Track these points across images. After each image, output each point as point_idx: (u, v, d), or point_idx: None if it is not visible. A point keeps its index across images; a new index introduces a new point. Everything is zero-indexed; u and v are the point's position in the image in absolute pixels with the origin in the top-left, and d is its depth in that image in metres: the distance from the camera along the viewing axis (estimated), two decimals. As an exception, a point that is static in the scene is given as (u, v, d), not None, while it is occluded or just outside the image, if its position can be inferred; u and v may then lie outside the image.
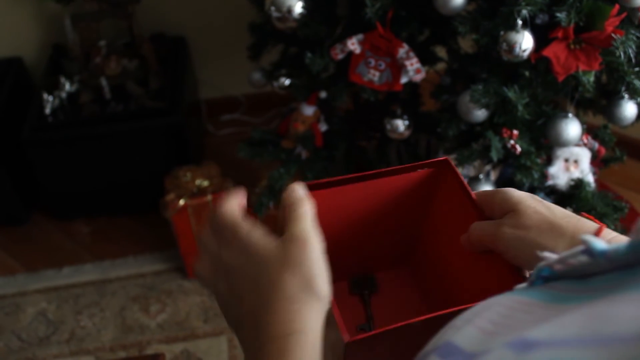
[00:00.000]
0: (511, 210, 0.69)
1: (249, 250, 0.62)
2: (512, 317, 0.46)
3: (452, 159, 1.83)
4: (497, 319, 0.47)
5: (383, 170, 0.77)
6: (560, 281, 0.50)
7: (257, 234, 0.62)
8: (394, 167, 0.77)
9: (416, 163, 0.77)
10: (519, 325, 0.44)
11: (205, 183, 2.23)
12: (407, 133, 1.91)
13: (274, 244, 0.61)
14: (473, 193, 0.75)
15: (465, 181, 0.75)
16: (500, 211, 0.71)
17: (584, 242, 0.45)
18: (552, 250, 0.63)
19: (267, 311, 0.59)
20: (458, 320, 0.50)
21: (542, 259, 0.53)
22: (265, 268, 0.60)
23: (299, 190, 0.66)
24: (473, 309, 0.51)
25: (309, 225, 0.62)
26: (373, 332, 0.62)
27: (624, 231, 1.73)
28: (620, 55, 1.50)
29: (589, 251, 0.45)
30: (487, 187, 1.79)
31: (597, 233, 0.65)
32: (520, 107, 1.59)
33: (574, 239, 0.65)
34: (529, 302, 0.48)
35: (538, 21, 1.57)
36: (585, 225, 0.66)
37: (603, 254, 0.44)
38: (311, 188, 0.70)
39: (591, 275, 0.46)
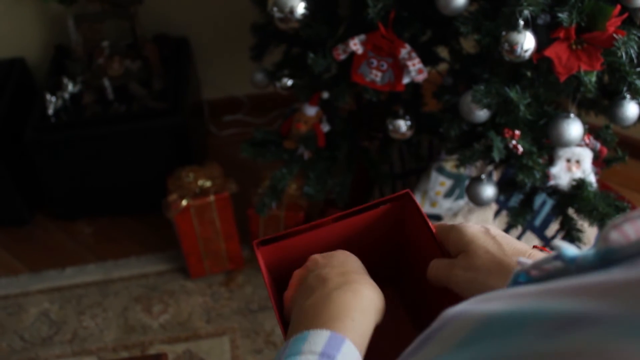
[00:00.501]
0: (463, 250, 0.73)
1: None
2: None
3: (454, 159, 1.84)
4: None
5: (351, 210, 0.84)
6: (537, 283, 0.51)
7: None
8: (359, 207, 0.84)
9: (379, 200, 0.84)
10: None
11: (208, 183, 2.24)
12: (409, 133, 1.92)
13: None
14: (433, 226, 0.79)
15: (425, 214, 0.81)
16: (455, 250, 0.75)
17: (556, 248, 0.46)
18: (493, 287, 0.67)
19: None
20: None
21: (518, 264, 0.54)
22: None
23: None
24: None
25: None
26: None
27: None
28: (622, 56, 1.50)
29: (561, 258, 0.46)
30: (489, 188, 1.80)
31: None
32: (522, 108, 1.59)
33: (510, 272, 0.68)
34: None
35: (540, 21, 1.57)
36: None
37: (573, 261, 0.45)
38: (291, 235, 0.80)
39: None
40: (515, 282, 0.54)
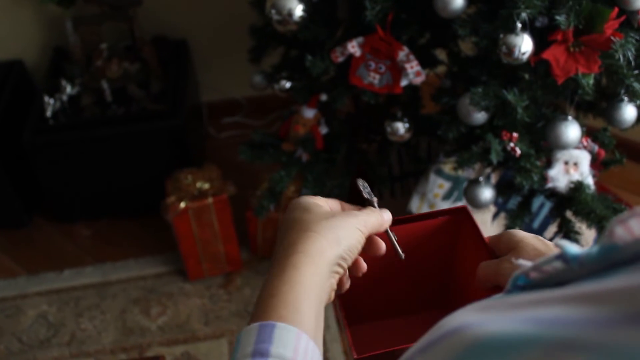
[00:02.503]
0: (513, 248, 0.75)
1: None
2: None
3: (452, 161, 1.84)
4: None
5: (405, 217, 0.84)
6: (535, 290, 0.51)
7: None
8: (415, 215, 0.84)
9: (436, 211, 0.85)
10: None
11: (206, 186, 2.24)
12: (407, 136, 1.92)
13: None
14: (486, 238, 0.81)
15: (480, 226, 0.83)
16: (505, 249, 0.77)
17: (559, 246, 0.46)
18: None
19: (289, 235, 0.70)
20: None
21: (517, 266, 0.53)
22: (319, 212, 0.72)
23: (388, 216, 0.77)
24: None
25: (368, 219, 0.73)
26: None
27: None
28: (619, 58, 1.50)
29: (563, 256, 0.46)
30: (487, 190, 1.80)
31: None
32: (520, 110, 1.59)
33: None
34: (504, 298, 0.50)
35: (537, 24, 1.57)
36: None
37: (576, 259, 0.45)
38: None
39: (566, 283, 0.47)
40: (515, 285, 0.53)
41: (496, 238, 0.79)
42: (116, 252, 2.51)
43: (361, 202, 0.80)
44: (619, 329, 0.34)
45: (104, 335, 2.22)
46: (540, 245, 0.74)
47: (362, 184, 0.82)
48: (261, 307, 0.64)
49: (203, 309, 2.28)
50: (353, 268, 0.76)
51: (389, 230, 0.77)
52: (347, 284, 0.76)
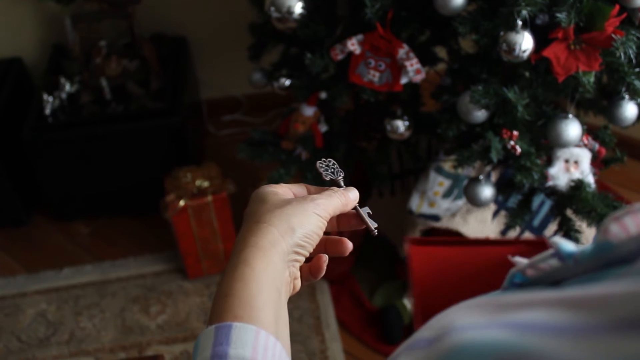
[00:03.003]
0: None
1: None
2: (471, 308, 0.48)
3: (452, 159, 1.83)
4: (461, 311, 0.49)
5: (482, 239, 0.83)
6: (530, 288, 0.51)
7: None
8: (491, 239, 0.83)
9: (513, 238, 0.84)
10: (476, 311, 0.46)
11: (206, 184, 2.23)
12: (407, 134, 1.91)
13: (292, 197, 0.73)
14: None
15: None
16: None
17: (554, 244, 0.46)
18: None
19: (244, 229, 0.69)
20: (430, 321, 0.53)
21: (513, 264, 0.54)
22: (273, 201, 0.70)
23: (354, 194, 0.75)
24: (445, 312, 0.53)
25: (328, 202, 0.71)
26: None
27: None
28: (620, 56, 1.49)
29: (558, 254, 0.46)
30: (487, 188, 1.79)
31: None
32: (520, 108, 1.58)
33: None
34: (497, 297, 0.50)
35: (538, 22, 1.56)
36: None
37: (571, 256, 0.45)
38: (420, 243, 0.77)
39: (562, 281, 0.47)
40: (512, 283, 0.53)
41: None
42: (115, 250, 2.51)
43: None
44: (595, 337, 0.33)
45: (103, 334, 2.22)
46: None
47: (322, 164, 0.79)
48: (217, 308, 0.63)
49: (202, 307, 2.27)
50: (336, 248, 0.75)
51: (358, 208, 0.76)
52: (323, 269, 0.74)
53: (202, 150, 2.83)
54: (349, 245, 0.75)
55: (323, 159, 0.80)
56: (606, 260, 0.41)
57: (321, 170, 0.78)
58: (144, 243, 2.52)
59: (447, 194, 2.24)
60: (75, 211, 2.64)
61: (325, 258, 0.74)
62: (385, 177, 2.19)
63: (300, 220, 0.68)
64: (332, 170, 0.79)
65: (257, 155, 2.06)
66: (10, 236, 2.61)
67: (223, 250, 2.32)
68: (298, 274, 0.71)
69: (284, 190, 0.73)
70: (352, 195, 0.74)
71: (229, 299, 0.63)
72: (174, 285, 2.36)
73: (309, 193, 0.75)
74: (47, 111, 2.41)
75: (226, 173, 2.32)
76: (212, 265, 2.35)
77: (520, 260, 0.53)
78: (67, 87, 2.47)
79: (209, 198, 2.19)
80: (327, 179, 0.78)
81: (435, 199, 2.24)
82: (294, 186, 0.75)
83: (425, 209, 2.21)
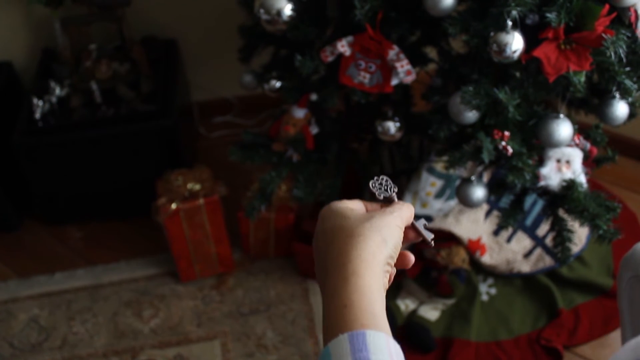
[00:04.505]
0: None
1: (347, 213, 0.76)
2: None
3: (443, 160, 1.83)
4: None
5: None
6: None
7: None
8: None
9: None
10: None
11: (197, 187, 2.22)
12: (398, 135, 1.91)
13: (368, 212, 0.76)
14: None
15: None
16: None
17: None
18: None
19: (336, 243, 0.72)
20: None
21: None
22: (356, 215, 0.74)
23: (412, 206, 0.79)
24: None
25: (402, 215, 0.75)
26: None
27: (616, 232, 1.73)
28: (611, 55, 1.49)
29: None
30: (479, 189, 1.79)
31: None
32: (511, 108, 1.58)
33: None
34: None
35: (528, 22, 1.56)
36: None
37: None
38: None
39: None
40: None
41: None
42: (107, 254, 2.50)
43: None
44: None
45: (96, 339, 2.21)
46: None
47: (374, 184, 0.81)
48: (339, 319, 0.66)
49: (195, 311, 2.26)
50: (402, 262, 0.78)
51: (414, 221, 0.80)
52: (392, 278, 0.77)
53: (194, 153, 2.82)
54: (412, 258, 0.79)
55: (375, 177, 0.82)
56: None
57: (374, 190, 0.81)
58: (136, 247, 2.51)
59: (439, 195, 2.24)
60: (66, 215, 2.63)
61: (394, 271, 0.78)
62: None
63: (389, 232, 0.72)
64: (385, 187, 0.81)
65: (249, 157, 2.06)
66: (1, 241, 2.59)
67: (215, 253, 2.31)
68: (387, 284, 0.74)
69: (354, 205, 0.77)
70: (412, 208, 0.79)
71: (351, 309, 0.66)
72: (166, 289, 2.35)
73: (366, 209, 0.79)
74: (37, 115, 2.40)
75: (218, 175, 2.31)
76: (205, 268, 2.34)
77: None
78: (57, 90, 2.46)
79: (201, 201, 2.19)
80: (381, 197, 0.80)
81: (428, 200, 2.24)
82: (354, 202, 0.78)
83: (418, 209, 2.21)
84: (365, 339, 0.62)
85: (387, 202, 0.80)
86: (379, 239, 0.70)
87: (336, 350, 0.62)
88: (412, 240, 0.80)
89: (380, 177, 0.82)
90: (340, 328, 0.64)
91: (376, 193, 0.81)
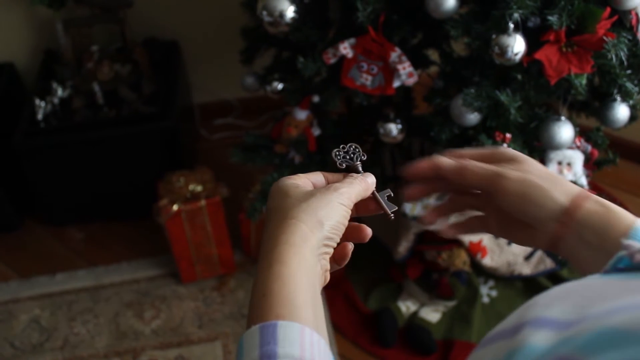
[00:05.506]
0: (511, 159, 0.74)
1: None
2: (603, 293, 0.48)
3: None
4: (588, 294, 0.49)
5: None
6: (635, 273, 0.51)
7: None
8: None
9: None
10: (612, 295, 0.47)
11: (199, 188, 2.23)
12: (400, 137, 1.91)
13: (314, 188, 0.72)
14: (469, 152, 0.78)
15: None
16: (501, 160, 0.75)
17: None
18: (551, 195, 0.70)
19: (272, 225, 0.68)
20: (541, 299, 0.53)
21: (624, 247, 0.53)
22: (297, 195, 0.70)
23: (371, 178, 0.75)
24: (554, 290, 0.53)
25: (350, 191, 0.71)
26: None
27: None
28: (612, 58, 1.50)
29: None
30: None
31: (582, 196, 0.70)
32: (512, 111, 1.59)
33: (567, 190, 0.70)
34: (614, 281, 0.50)
35: (530, 24, 1.57)
36: (573, 185, 0.72)
37: None
38: None
39: None
40: (615, 267, 0.53)
41: (486, 150, 0.77)
42: (109, 255, 2.50)
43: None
44: None
45: (97, 340, 2.21)
46: (538, 162, 0.73)
47: (338, 153, 0.77)
48: (256, 309, 0.63)
49: (197, 312, 2.27)
50: (356, 235, 0.74)
51: (376, 192, 0.76)
52: (348, 256, 0.74)
53: (195, 155, 2.83)
54: (369, 231, 0.75)
55: (343, 145, 0.78)
56: None
57: (336, 158, 0.77)
58: (138, 248, 2.51)
59: (441, 196, 2.24)
60: (68, 216, 2.63)
61: (350, 246, 0.74)
62: (378, 180, 2.19)
63: (327, 212, 0.68)
64: (352, 156, 0.77)
65: (250, 159, 2.06)
66: (3, 242, 2.60)
67: (217, 254, 2.32)
68: (328, 266, 0.71)
69: (303, 182, 0.72)
70: (370, 180, 0.75)
71: (268, 298, 0.63)
72: (167, 290, 2.35)
73: (327, 181, 0.75)
74: (40, 116, 2.40)
75: (219, 177, 2.32)
76: (206, 270, 2.34)
77: (633, 244, 0.53)
78: (59, 92, 2.46)
79: (202, 202, 2.19)
80: (343, 166, 0.77)
81: (429, 202, 2.24)
82: (311, 175, 0.74)
83: (419, 211, 2.21)
84: (275, 330, 0.59)
85: (351, 172, 0.77)
86: (314, 221, 0.67)
87: (247, 343, 0.59)
88: (375, 212, 0.77)
89: (349, 144, 0.78)
90: (255, 319, 0.61)
91: (337, 162, 0.77)
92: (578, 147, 1.80)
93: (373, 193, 0.76)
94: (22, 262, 2.52)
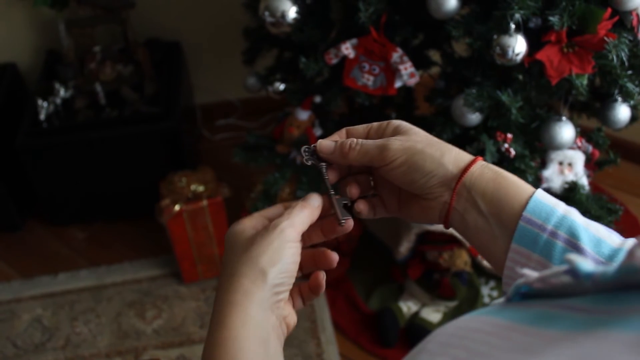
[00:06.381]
0: (396, 131, 0.71)
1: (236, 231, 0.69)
2: (490, 345, 0.45)
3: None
4: (473, 346, 0.46)
5: None
6: (538, 299, 0.49)
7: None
8: None
9: None
10: (496, 354, 0.44)
11: (201, 188, 2.23)
12: (401, 137, 1.91)
13: (256, 230, 0.68)
14: (356, 129, 0.75)
15: None
16: (386, 133, 0.72)
17: (569, 262, 0.44)
18: (438, 161, 0.67)
19: (221, 282, 0.65)
20: (431, 344, 0.50)
21: (521, 276, 0.52)
22: (239, 245, 0.66)
23: (315, 200, 0.70)
24: (447, 330, 0.51)
25: (292, 222, 0.67)
26: None
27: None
28: (613, 59, 1.50)
29: (573, 272, 0.44)
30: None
31: (472, 163, 0.68)
32: (514, 111, 1.59)
33: (458, 158, 0.68)
34: (507, 325, 0.47)
35: (531, 25, 1.57)
36: (464, 152, 0.70)
37: (589, 277, 0.43)
38: None
39: (571, 295, 0.45)
40: (517, 292, 0.52)
41: (375, 126, 0.73)
42: (111, 255, 2.51)
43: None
44: None
45: (99, 339, 2.21)
46: (430, 135, 0.71)
47: (307, 149, 0.75)
48: None
49: (198, 312, 2.27)
50: (323, 262, 0.71)
51: (333, 197, 0.72)
52: (322, 285, 0.71)
53: (197, 155, 2.83)
54: (334, 256, 0.71)
55: (315, 144, 0.75)
56: (626, 283, 0.41)
57: (304, 154, 0.74)
58: (139, 248, 2.52)
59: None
60: (70, 216, 2.64)
61: (322, 274, 0.71)
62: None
63: (270, 258, 0.64)
64: (320, 155, 0.74)
65: (252, 159, 2.07)
66: (5, 242, 2.60)
67: (218, 254, 2.32)
68: (287, 311, 0.68)
69: (253, 224, 0.69)
70: (314, 203, 0.70)
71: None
72: (169, 290, 2.35)
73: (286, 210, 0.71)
74: (42, 116, 2.41)
75: (221, 177, 2.32)
76: (208, 270, 2.35)
77: (529, 274, 0.52)
78: (62, 92, 2.47)
79: (204, 202, 2.20)
80: (309, 163, 0.74)
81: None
82: (267, 211, 0.71)
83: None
84: None
85: (317, 169, 0.74)
86: (256, 273, 0.63)
87: None
88: (333, 264, 0.72)
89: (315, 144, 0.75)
90: None
91: (304, 158, 0.74)
92: (579, 148, 1.81)
93: (330, 197, 0.72)
94: (25, 261, 2.52)
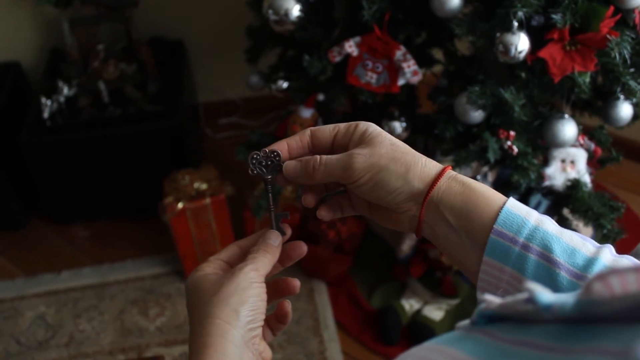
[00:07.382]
0: (361, 140, 0.70)
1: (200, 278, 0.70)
2: None
3: (449, 160, 1.84)
4: None
5: None
6: (500, 324, 0.50)
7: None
8: None
9: None
10: None
11: (204, 186, 2.24)
12: (404, 135, 1.92)
13: (221, 274, 0.70)
14: (324, 132, 0.73)
15: None
16: (358, 142, 0.70)
17: (529, 291, 0.44)
18: (403, 177, 0.66)
19: (192, 327, 0.67)
20: None
21: (483, 301, 0.53)
22: (204, 289, 0.68)
23: (274, 240, 0.72)
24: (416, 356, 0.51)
25: (256, 266, 0.69)
26: None
27: (620, 231, 1.74)
28: (615, 57, 1.51)
29: (533, 302, 0.44)
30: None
31: (438, 176, 0.67)
32: (516, 109, 1.60)
33: (424, 172, 0.67)
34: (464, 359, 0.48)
35: (534, 23, 1.58)
36: (431, 163, 0.69)
37: (548, 309, 0.43)
38: None
39: (534, 321, 0.46)
40: (481, 316, 0.53)
41: (346, 128, 0.71)
42: (114, 253, 2.51)
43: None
44: None
45: (102, 336, 2.22)
46: (397, 141, 0.69)
47: (255, 156, 0.72)
48: None
49: (201, 310, 2.27)
50: (286, 290, 0.74)
51: (272, 212, 0.74)
52: (289, 314, 0.73)
53: (200, 153, 2.84)
54: (296, 282, 0.74)
55: (265, 149, 0.72)
56: (585, 315, 0.41)
57: (250, 163, 0.73)
58: (143, 246, 2.53)
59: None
60: (73, 214, 2.64)
61: (288, 303, 0.73)
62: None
63: (239, 298, 0.66)
64: (268, 163, 0.72)
65: (255, 157, 2.07)
66: (9, 239, 2.61)
67: (221, 252, 2.32)
68: (262, 346, 0.69)
69: (213, 268, 0.70)
70: (274, 243, 0.72)
71: None
72: (172, 288, 2.36)
73: (241, 249, 0.73)
74: (45, 115, 2.42)
75: (224, 175, 2.33)
76: (211, 268, 2.35)
77: (492, 299, 0.52)
78: (65, 90, 2.47)
79: (207, 200, 2.20)
80: (254, 172, 0.73)
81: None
82: (222, 254, 0.73)
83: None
84: None
85: (261, 179, 0.73)
86: (228, 312, 0.64)
87: None
88: (295, 290, 0.74)
89: (270, 150, 0.72)
90: None
91: (250, 166, 0.73)
92: (581, 145, 1.81)
93: (270, 212, 0.74)
94: (28, 259, 2.53)
